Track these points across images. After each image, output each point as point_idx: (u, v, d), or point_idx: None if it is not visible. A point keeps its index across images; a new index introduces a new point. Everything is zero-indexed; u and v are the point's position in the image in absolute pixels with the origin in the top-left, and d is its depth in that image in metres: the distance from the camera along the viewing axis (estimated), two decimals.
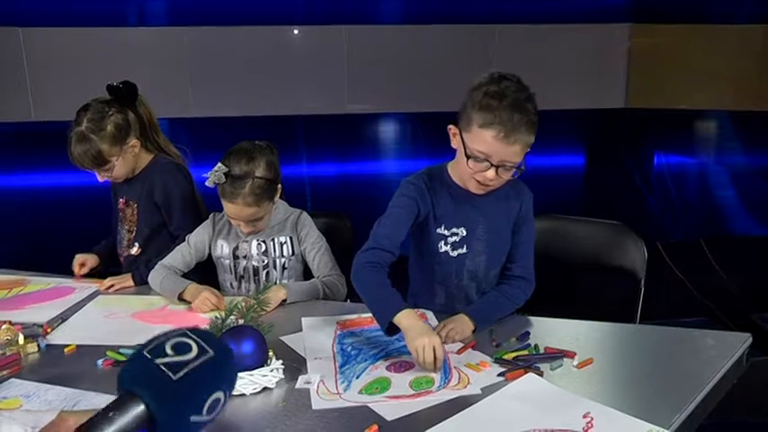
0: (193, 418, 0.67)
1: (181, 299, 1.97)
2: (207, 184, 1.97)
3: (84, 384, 1.47)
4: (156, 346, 0.68)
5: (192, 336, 0.69)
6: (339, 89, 4.88)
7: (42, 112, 4.34)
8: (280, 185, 2.06)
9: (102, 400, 1.40)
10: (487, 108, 1.64)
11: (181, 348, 0.68)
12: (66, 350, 1.67)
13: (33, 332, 1.75)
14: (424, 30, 4.83)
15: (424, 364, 1.50)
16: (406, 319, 1.57)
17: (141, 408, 0.65)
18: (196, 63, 4.75)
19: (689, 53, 4.74)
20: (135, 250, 2.33)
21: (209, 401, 0.68)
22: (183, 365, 0.66)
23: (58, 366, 1.56)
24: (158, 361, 0.66)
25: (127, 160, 2.24)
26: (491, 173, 1.67)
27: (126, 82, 2.25)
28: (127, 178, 2.31)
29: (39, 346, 1.67)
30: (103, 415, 0.65)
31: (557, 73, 4.86)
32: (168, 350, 0.67)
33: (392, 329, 1.60)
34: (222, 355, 0.70)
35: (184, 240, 2.18)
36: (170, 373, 0.66)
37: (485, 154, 1.66)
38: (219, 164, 1.96)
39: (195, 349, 0.68)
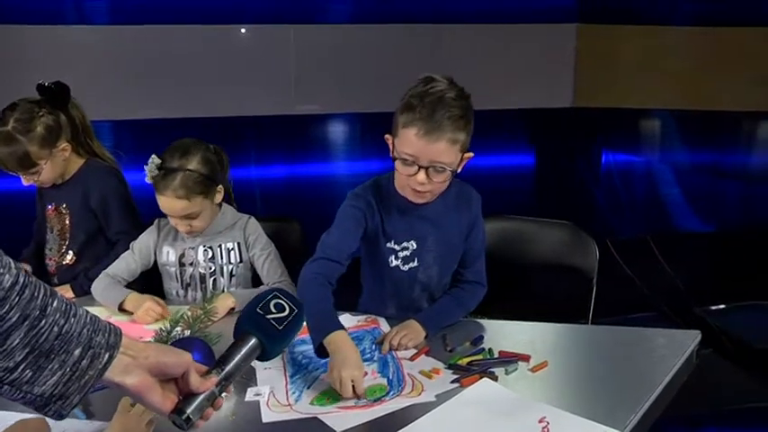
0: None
1: (122, 309, 1.90)
2: (146, 179, 1.92)
3: (19, 406, 1.38)
4: (264, 305, 1.04)
5: (283, 298, 1.06)
6: (287, 90, 4.83)
7: None
8: (220, 187, 2.00)
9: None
10: (409, 107, 1.61)
11: (279, 307, 1.04)
12: None
13: None
14: (372, 29, 4.81)
15: (342, 395, 1.42)
16: (334, 342, 1.49)
17: (256, 342, 1.01)
18: (139, 63, 4.63)
19: (634, 53, 4.83)
20: (69, 259, 2.24)
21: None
22: (283, 321, 1.03)
23: None
24: (269, 317, 1.03)
25: (56, 164, 2.14)
26: (421, 176, 1.62)
27: (58, 82, 2.14)
28: (55, 183, 2.21)
29: None
30: (234, 346, 1.01)
31: (504, 72, 4.90)
32: (272, 308, 1.04)
33: (323, 351, 1.52)
34: (300, 310, 1.06)
35: (124, 246, 2.11)
36: (277, 325, 1.03)
37: (411, 156, 1.61)
38: (153, 155, 1.91)
39: (287, 308, 1.05)
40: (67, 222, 2.24)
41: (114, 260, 2.10)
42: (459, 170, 1.69)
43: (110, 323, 0.91)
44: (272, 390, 1.44)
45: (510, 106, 4.92)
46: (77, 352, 0.85)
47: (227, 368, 0.99)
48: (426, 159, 1.61)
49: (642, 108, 4.99)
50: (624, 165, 5.29)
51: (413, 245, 1.80)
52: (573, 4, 5.01)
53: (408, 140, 1.61)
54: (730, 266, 3.97)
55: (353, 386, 1.41)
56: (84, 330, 0.86)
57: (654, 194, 5.06)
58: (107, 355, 0.88)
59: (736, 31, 4.63)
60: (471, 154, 1.69)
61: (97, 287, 1.99)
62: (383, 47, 4.75)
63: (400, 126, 1.63)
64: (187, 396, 0.96)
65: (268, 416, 1.36)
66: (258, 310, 1.04)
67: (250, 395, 1.43)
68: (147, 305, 1.85)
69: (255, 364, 1.53)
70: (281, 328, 1.03)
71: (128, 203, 2.25)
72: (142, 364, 0.91)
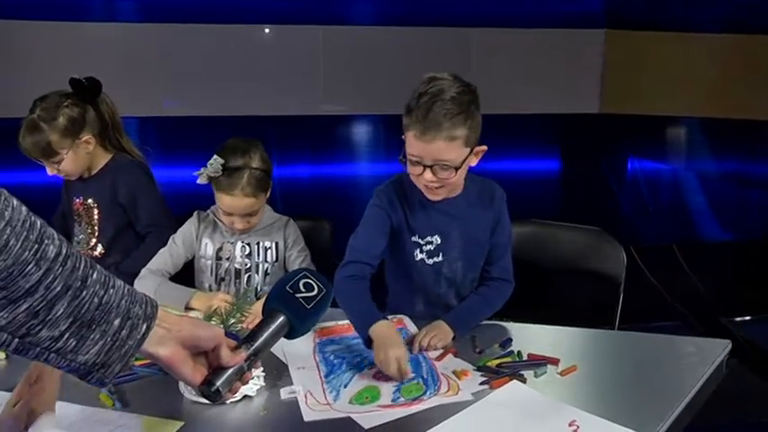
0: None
1: (188, 308, 1.89)
2: (199, 181, 1.93)
3: None
4: (293, 283, 1.06)
5: (312, 277, 1.08)
6: (314, 90, 4.85)
7: (4, 108, 4.23)
8: (271, 181, 2.03)
9: (73, 410, 1.35)
10: (408, 110, 1.65)
11: (308, 286, 1.07)
12: None
13: None
14: (400, 32, 4.82)
15: (389, 374, 1.49)
16: (377, 330, 1.57)
17: (285, 319, 1.04)
18: (166, 61, 4.68)
19: (662, 60, 4.80)
20: (98, 252, 2.27)
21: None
22: (312, 300, 1.06)
23: None
24: (298, 296, 1.05)
25: (79, 156, 2.17)
26: (428, 174, 1.66)
27: (90, 78, 2.18)
28: (83, 177, 2.25)
29: (6, 353, 1.60)
30: (263, 323, 1.04)
31: (531, 77, 4.89)
32: (301, 287, 1.06)
33: (371, 342, 1.59)
34: (329, 290, 1.08)
35: (154, 238, 2.13)
36: (305, 304, 1.05)
37: (415, 156, 1.66)
38: (215, 156, 1.92)
39: (316, 288, 1.07)
40: (96, 216, 2.27)
41: (144, 253, 2.12)
42: (474, 164, 1.73)
43: (146, 295, 0.94)
44: (309, 389, 1.44)
45: (536, 111, 4.91)
46: (117, 322, 0.88)
47: (256, 344, 1.01)
48: (429, 158, 1.65)
49: (669, 115, 4.96)
50: (650, 172, 5.26)
51: (437, 239, 1.82)
52: (601, 9, 4.99)
53: (410, 142, 1.66)
54: (756, 276, 3.92)
55: (399, 365, 1.47)
56: (123, 302, 0.89)
57: (679, 202, 5.02)
58: (145, 326, 0.90)
59: (766, 39, 4.58)
60: (484, 147, 1.72)
61: (145, 285, 1.93)
62: (411, 49, 4.76)
63: (404, 128, 1.68)
64: (216, 369, 0.99)
65: (309, 415, 1.36)
66: (287, 288, 1.06)
67: (284, 394, 1.43)
68: (221, 297, 1.85)
69: (287, 359, 1.57)
70: (309, 306, 1.05)
71: (156, 197, 2.28)
72: (176, 337, 0.94)
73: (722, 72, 4.68)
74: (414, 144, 1.64)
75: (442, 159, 1.64)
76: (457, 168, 1.67)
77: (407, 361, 1.50)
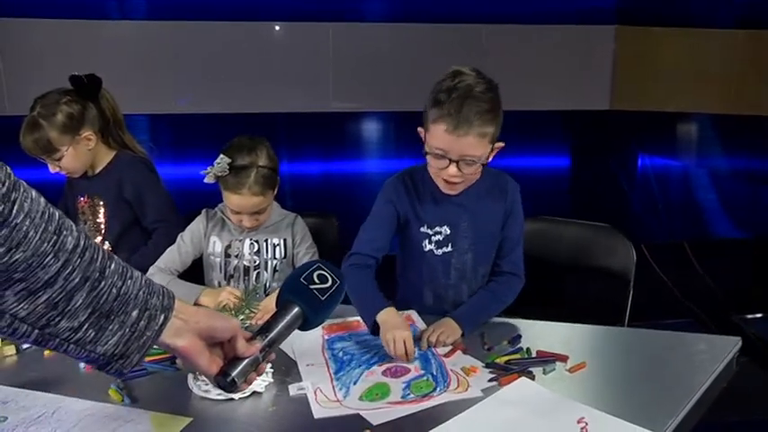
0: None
1: (196, 305, 1.90)
2: (207, 180, 1.93)
3: (64, 389, 1.42)
4: (308, 275, 1.07)
5: (326, 269, 1.08)
6: (324, 87, 4.86)
7: (17, 105, 4.26)
8: (278, 178, 2.03)
9: (84, 405, 1.36)
10: (437, 103, 1.64)
11: (322, 278, 1.07)
12: (45, 353, 1.60)
13: None
14: (411, 28, 4.82)
15: (395, 355, 1.54)
16: (384, 316, 1.62)
17: (299, 311, 1.04)
18: (176, 59, 4.70)
19: (673, 56, 4.78)
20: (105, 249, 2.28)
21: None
22: (326, 291, 1.06)
23: (38, 370, 1.51)
24: (312, 287, 1.05)
25: (79, 152, 2.19)
26: (452, 169, 1.66)
27: (91, 75, 2.19)
28: (87, 175, 2.25)
29: (17, 348, 1.61)
30: (277, 314, 1.04)
31: (542, 74, 4.88)
32: (315, 279, 1.06)
33: (377, 329, 1.62)
34: (342, 281, 1.09)
35: (162, 234, 2.14)
36: (319, 296, 1.05)
37: (441, 150, 1.65)
38: (222, 155, 1.93)
39: (330, 280, 1.07)
40: (101, 214, 2.28)
41: (152, 249, 2.13)
42: (489, 160, 1.72)
43: (163, 287, 0.94)
44: (318, 386, 1.45)
45: (547, 108, 4.90)
46: (135, 313, 0.88)
47: (271, 335, 1.02)
48: (456, 153, 1.65)
49: (680, 112, 4.93)
50: (661, 169, 5.24)
51: (446, 230, 1.83)
52: (612, 5, 4.97)
53: (438, 136, 1.64)
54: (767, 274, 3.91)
55: (405, 345, 1.53)
56: (140, 293, 0.89)
57: (690, 199, 5.00)
58: (162, 317, 0.91)
59: None
60: (502, 144, 1.72)
61: None
62: (422, 46, 4.76)
63: (430, 121, 1.67)
64: (232, 360, 0.99)
65: (319, 412, 1.36)
66: (302, 279, 1.07)
67: (294, 390, 1.43)
68: (228, 290, 1.86)
69: (296, 356, 1.58)
70: (323, 298, 1.05)
71: (162, 192, 2.29)
72: (193, 328, 0.94)
73: (733, 68, 4.65)
74: (442, 138, 1.64)
75: (469, 155, 1.65)
76: (483, 164, 1.68)
77: (414, 346, 1.55)
